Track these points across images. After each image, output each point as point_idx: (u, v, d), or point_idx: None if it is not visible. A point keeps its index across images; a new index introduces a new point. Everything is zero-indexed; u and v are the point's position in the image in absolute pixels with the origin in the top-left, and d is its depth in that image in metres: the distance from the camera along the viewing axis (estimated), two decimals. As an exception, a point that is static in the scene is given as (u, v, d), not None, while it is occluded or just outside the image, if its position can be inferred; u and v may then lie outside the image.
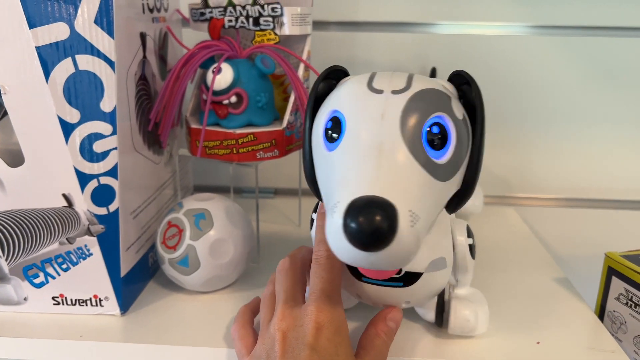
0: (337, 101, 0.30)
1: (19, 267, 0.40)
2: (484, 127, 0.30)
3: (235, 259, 0.42)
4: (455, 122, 0.29)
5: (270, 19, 0.46)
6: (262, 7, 0.45)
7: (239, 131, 0.44)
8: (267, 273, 0.47)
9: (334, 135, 0.29)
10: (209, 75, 0.44)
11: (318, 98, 0.33)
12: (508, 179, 0.67)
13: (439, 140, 0.28)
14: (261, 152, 0.45)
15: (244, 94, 0.45)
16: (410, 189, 0.27)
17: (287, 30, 0.46)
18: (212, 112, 0.45)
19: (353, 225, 0.25)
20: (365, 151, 0.28)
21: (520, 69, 0.63)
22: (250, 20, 0.46)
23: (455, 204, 0.31)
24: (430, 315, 0.39)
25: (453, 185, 0.30)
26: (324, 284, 0.33)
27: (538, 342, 0.39)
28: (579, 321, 0.42)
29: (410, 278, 0.34)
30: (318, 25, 0.62)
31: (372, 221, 0.25)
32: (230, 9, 0.47)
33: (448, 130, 0.28)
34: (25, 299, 0.41)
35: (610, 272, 0.43)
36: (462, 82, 0.32)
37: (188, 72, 0.44)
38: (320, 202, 0.37)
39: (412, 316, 0.41)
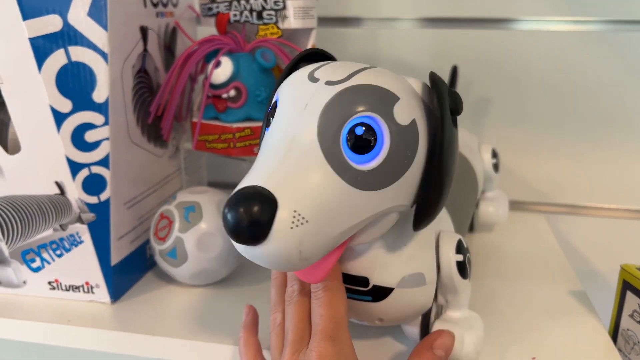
0: (280, 86, 0.29)
1: (18, 252, 0.42)
2: (444, 138, 0.26)
3: (224, 254, 0.42)
4: (393, 126, 0.25)
5: (272, 12, 0.45)
6: (265, 0, 0.45)
7: (236, 125, 0.44)
8: (260, 270, 0.47)
9: (269, 121, 0.28)
10: (209, 68, 0.44)
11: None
12: (541, 187, 0.63)
13: (363, 143, 0.25)
14: (258, 147, 0.45)
15: (243, 88, 0.44)
16: (305, 189, 0.24)
17: (289, 23, 0.45)
18: (212, 106, 0.45)
19: (227, 215, 0.24)
20: (278, 142, 0.26)
21: (553, 67, 0.59)
22: (254, 14, 0.46)
23: (414, 221, 0.28)
24: (414, 336, 0.36)
25: (387, 198, 0.26)
26: (324, 324, 0.30)
27: (533, 358, 0.36)
28: (587, 338, 0.38)
29: (379, 293, 0.32)
30: (338, 21, 0.61)
31: (244, 213, 0.23)
32: (235, 3, 0.46)
33: (378, 134, 0.25)
34: (24, 282, 0.43)
35: (625, 286, 0.39)
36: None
37: (189, 66, 0.45)
38: None
39: (398, 335, 0.39)
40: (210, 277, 0.43)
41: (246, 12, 0.46)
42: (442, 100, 0.26)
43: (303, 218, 0.24)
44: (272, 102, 0.28)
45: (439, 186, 0.27)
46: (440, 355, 0.31)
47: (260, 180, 0.24)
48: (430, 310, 0.35)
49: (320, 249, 0.25)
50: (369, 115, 0.25)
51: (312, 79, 0.27)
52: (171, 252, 0.41)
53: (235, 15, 0.47)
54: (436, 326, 0.34)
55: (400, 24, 0.61)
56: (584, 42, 0.57)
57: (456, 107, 0.27)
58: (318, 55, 0.31)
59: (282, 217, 0.23)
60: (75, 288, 0.42)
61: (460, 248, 0.33)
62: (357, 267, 0.32)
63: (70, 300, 0.43)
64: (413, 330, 0.36)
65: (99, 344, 0.40)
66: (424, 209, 0.27)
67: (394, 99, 0.26)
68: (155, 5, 0.45)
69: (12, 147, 0.39)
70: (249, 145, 0.45)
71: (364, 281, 0.32)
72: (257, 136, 0.44)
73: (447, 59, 0.59)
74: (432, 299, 0.34)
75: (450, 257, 0.33)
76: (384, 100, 0.26)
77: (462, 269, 0.33)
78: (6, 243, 0.41)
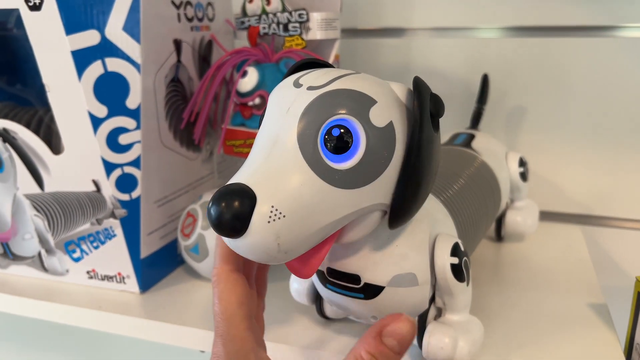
0: (271, 92, 0.31)
1: (61, 243, 0.46)
2: (421, 139, 0.27)
3: (242, 251, 0.45)
4: (369, 129, 0.27)
5: (297, 24, 0.48)
6: (290, 13, 0.48)
7: (259, 131, 0.47)
8: (279, 269, 0.49)
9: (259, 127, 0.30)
10: (236, 78, 0.47)
11: None
12: (579, 197, 0.61)
13: (339, 144, 0.27)
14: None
15: (267, 96, 0.47)
16: (283, 186, 0.26)
17: (313, 35, 0.48)
18: (239, 113, 0.48)
19: (211, 209, 0.25)
20: (263, 143, 0.28)
21: (590, 74, 0.57)
22: (281, 26, 0.49)
23: (389, 219, 0.29)
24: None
25: (365, 196, 0.28)
26: (215, 322, 0.29)
27: (534, 365, 0.36)
28: (598, 351, 0.37)
29: (370, 290, 0.33)
30: (366, 33, 0.63)
31: (225, 207, 0.25)
32: (263, 16, 0.49)
33: (354, 135, 0.27)
34: (67, 270, 0.47)
35: (642, 299, 0.38)
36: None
37: (220, 75, 0.48)
38: None
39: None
40: (230, 273, 0.46)
41: (274, 25, 0.49)
42: (422, 101, 0.28)
43: (280, 213, 0.25)
44: (265, 107, 0.31)
45: (414, 186, 0.28)
46: (391, 344, 0.27)
47: (243, 178, 0.26)
48: (427, 312, 0.35)
49: (298, 243, 0.27)
50: (345, 118, 0.27)
51: (297, 84, 0.29)
52: (194, 248, 0.45)
53: (264, 28, 0.50)
54: (430, 328, 0.34)
55: (434, 34, 0.61)
56: (623, 48, 0.56)
57: (437, 110, 0.28)
58: (315, 64, 0.33)
59: (260, 211, 0.25)
60: (109, 278, 0.46)
61: (456, 251, 0.34)
62: (349, 265, 0.33)
63: (105, 289, 0.47)
64: None
65: (127, 329, 0.43)
66: (398, 208, 0.28)
67: (371, 102, 0.27)
68: (190, 20, 0.49)
69: (57, 148, 0.44)
70: (272, 150, 0.47)
71: (356, 278, 0.33)
72: (278, 141, 0.47)
73: (480, 67, 0.59)
74: (426, 300, 0.34)
75: (445, 260, 0.33)
76: (360, 103, 0.27)
77: (458, 272, 0.34)
78: (52, 234, 0.46)
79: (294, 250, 0.27)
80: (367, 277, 0.33)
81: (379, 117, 0.27)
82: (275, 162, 0.27)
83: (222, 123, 0.54)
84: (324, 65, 0.33)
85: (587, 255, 0.52)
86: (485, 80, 0.57)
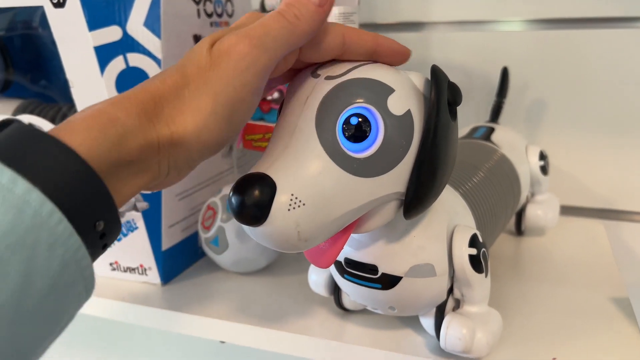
0: (289, 84, 0.31)
1: (85, 235, 0.47)
2: (438, 127, 0.27)
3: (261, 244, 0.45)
4: (387, 117, 0.27)
5: (315, 19, 0.48)
6: (308, 8, 0.48)
7: (278, 125, 0.47)
8: (300, 261, 0.49)
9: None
10: (255, 72, 0.48)
11: None
12: (601, 192, 0.61)
13: (358, 132, 0.27)
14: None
15: (285, 90, 0.47)
16: (303, 175, 0.26)
17: (331, 29, 0.48)
18: (258, 108, 0.49)
19: (232, 198, 0.26)
20: (281, 133, 0.28)
21: (613, 66, 0.56)
22: None
23: (404, 208, 0.29)
24: (430, 328, 0.37)
25: (384, 185, 0.28)
26: (255, 25, 0.26)
27: (554, 358, 0.35)
28: (618, 345, 0.37)
29: (388, 281, 0.33)
30: (384, 27, 0.63)
31: (245, 196, 0.25)
32: (282, 11, 0.50)
33: (373, 124, 0.27)
34: (91, 263, 0.48)
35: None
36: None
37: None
38: None
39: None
40: (250, 265, 0.46)
41: (292, 20, 0.49)
42: (439, 88, 0.28)
43: (300, 201, 0.26)
44: (283, 100, 0.31)
45: (430, 174, 0.28)
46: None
47: (263, 167, 0.27)
48: (445, 303, 0.35)
49: (318, 231, 0.27)
50: (363, 106, 0.27)
51: (315, 75, 0.29)
52: (214, 240, 0.45)
53: (282, 22, 0.50)
54: (448, 319, 0.34)
55: (452, 28, 0.61)
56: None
57: (454, 98, 0.29)
58: None
59: (280, 200, 0.26)
60: (131, 270, 0.47)
61: (474, 242, 0.34)
62: (367, 255, 0.33)
63: (127, 281, 0.48)
64: (428, 322, 0.36)
65: (148, 320, 0.44)
66: (413, 197, 0.29)
67: (389, 90, 0.28)
68: (209, 15, 0.49)
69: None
70: (290, 143, 0.48)
71: (373, 269, 0.33)
72: (297, 135, 0.47)
73: (499, 61, 0.59)
74: (444, 291, 0.34)
75: (463, 251, 0.33)
76: (378, 92, 0.28)
77: (476, 263, 0.34)
78: (76, 227, 0.47)
79: (314, 238, 0.27)
80: (385, 268, 0.33)
81: (397, 105, 0.28)
82: (294, 152, 0.27)
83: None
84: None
85: (609, 250, 0.52)
86: (505, 74, 0.56)
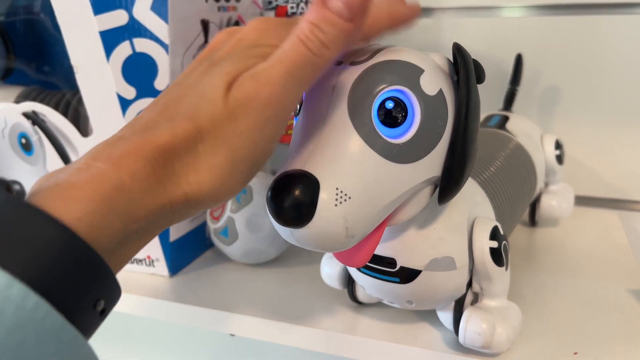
0: None
1: (91, 226, 0.46)
2: (469, 105, 0.27)
3: (272, 234, 0.44)
4: (422, 98, 0.26)
5: (326, 3, 0.47)
6: (319, -8, 0.46)
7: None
8: (312, 252, 0.48)
9: (299, 108, 0.28)
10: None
11: None
12: (616, 182, 0.60)
13: (394, 117, 0.25)
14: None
15: (296, 77, 0.46)
16: (344, 166, 0.24)
17: (343, 14, 0.46)
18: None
19: (272, 199, 0.24)
20: (309, 125, 0.26)
21: (628, 52, 0.55)
22: (309, 5, 0.48)
23: (440, 193, 0.28)
24: (448, 322, 0.36)
25: (423, 170, 0.27)
26: (285, 56, 0.22)
27: (575, 353, 0.34)
28: (638, 338, 0.36)
29: (406, 274, 0.32)
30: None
31: (288, 195, 0.24)
32: (292, -5, 0.48)
33: (409, 106, 0.26)
34: (96, 254, 0.47)
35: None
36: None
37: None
38: None
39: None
40: (260, 256, 0.45)
41: (302, 4, 0.48)
42: (468, 67, 0.27)
43: (346, 195, 0.24)
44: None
45: (464, 156, 0.27)
46: (337, 7, 0.22)
47: (298, 163, 0.25)
48: (464, 297, 0.34)
49: (365, 225, 0.26)
50: (397, 89, 0.26)
51: (337, 62, 0.27)
52: (223, 231, 0.44)
53: (292, 7, 0.49)
54: (467, 313, 0.33)
55: (463, 13, 0.60)
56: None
57: (479, 75, 0.28)
58: None
59: (326, 195, 0.24)
60: (138, 261, 0.46)
61: (495, 234, 0.33)
62: (385, 248, 0.32)
63: (134, 272, 0.47)
64: (446, 316, 0.36)
65: (157, 312, 0.43)
66: (450, 180, 0.27)
67: (419, 71, 0.27)
68: (217, 0, 0.48)
69: (85, 131, 0.44)
70: (301, 132, 0.46)
71: (392, 262, 0.32)
72: (307, 123, 0.46)
73: (512, 47, 0.57)
74: (464, 284, 0.33)
75: (484, 243, 0.32)
76: (409, 73, 0.26)
77: (497, 256, 0.33)
78: (81, 217, 0.46)
79: (360, 233, 0.26)
80: (403, 261, 0.32)
81: (429, 85, 0.26)
82: (330, 144, 0.25)
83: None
84: None
85: (625, 240, 0.51)
86: (519, 61, 0.55)
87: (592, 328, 0.37)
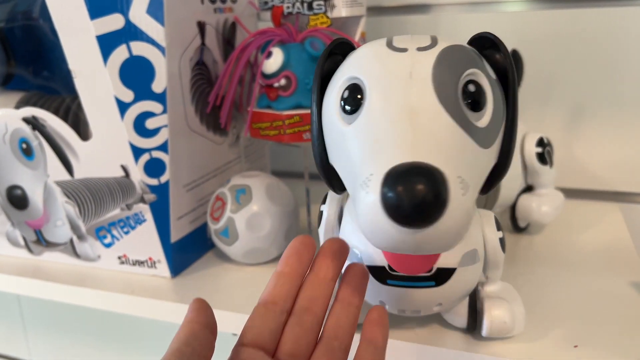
0: (354, 66, 0.27)
1: (92, 229, 0.47)
2: (516, 91, 0.27)
3: (272, 234, 0.44)
4: (490, 81, 0.25)
5: (322, 2, 0.47)
6: (315, -9, 0.47)
7: (285, 112, 0.46)
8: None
9: (353, 104, 0.26)
10: (261, 59, 0.47)
11: (325, 77, 0.29)
12: (616, 175, 0.59)
13: (476, 100, 0.25)
14: (307, 134, 0.47)
15: (293, 77, 0.46)
16: (455, 153, 0.23)
17: (338, 12, 0.47)
18: (265, 95, 0.48)
19: (392, 196, 0.21)
20: (396, 115, 0.24)
21: (625, 43, 0.55)
22: (305, 5, 0.48)
23: (490, 181, 0.27)
24: (460, 320, 0.35)
25: (493, 155, 0.26)
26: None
27: (575, 346, 0.34)
28: (636, 329, 0.36)
29: (443, 275, 0.31)
30: (392, 10, 0.61)
31: (417, 189, 0.21)
32: (287, -5, 0.48)
33: (485, 88, 0.25)
34: (99, 256, 0.48)
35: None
36: (485, 46, 0.28)
37: (244, 57, 0.47)
38: (329, 192, 0.34)
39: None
40: (261, 255, 0.46)
41: (298, 4, 0.48)
42: (507, 53, 0.27)
43: (467, 183, 0.23)
44: (346, 86, 0.27)
45: (513, 142, 0.27)
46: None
47: (408, 154, 0.22)
48: (475, 290, 0.35)
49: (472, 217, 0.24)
50: (477, 72, 0.26)
51: (397, 49, 0.26)
52: (224, 232, 0.44)
53: (288, 7, 0.49)
54: (487, 306, 0.33)
55: (461, 9, 0.60)
56: (663, 17, 0.53)
57: (512, 60, 0.28)
58: (345, 45, 0.30)
59: (454, 186, 0.22)
60: (140, 263, 0.46)
61: (498, 224, 0.34)
62: None
63: (136, 274, 0.47)
64: (457, 314, 0.35)
65: (159, 314, 0.44)
66: (501, 167, 0.27)
67: (479, 56, 0.27)
68: (212, 1, 0.48)
69: (85, 135, 0.44)
70: (298, 131, 0.46)
71: None
72: (305, 123, 0.46)
73: (509, 42, 0.57)
74: (479, 276, 0.34)
75: (495, 234, 0.33)
76: (477, 58, 0.27)
77: (503, 244, 0.33)
78: (83, 220, 0.46)
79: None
80: (440, 262, 0.31)
81: (490, 70, 0.27)
82: (429, 131, 0.24)
83: (248, 106, 0.54)
84: (351, 46, 0.31)
85: (626, 234, 0.51)
86: (515, 57, 0.54)
87: (593, 321, 0.37)
